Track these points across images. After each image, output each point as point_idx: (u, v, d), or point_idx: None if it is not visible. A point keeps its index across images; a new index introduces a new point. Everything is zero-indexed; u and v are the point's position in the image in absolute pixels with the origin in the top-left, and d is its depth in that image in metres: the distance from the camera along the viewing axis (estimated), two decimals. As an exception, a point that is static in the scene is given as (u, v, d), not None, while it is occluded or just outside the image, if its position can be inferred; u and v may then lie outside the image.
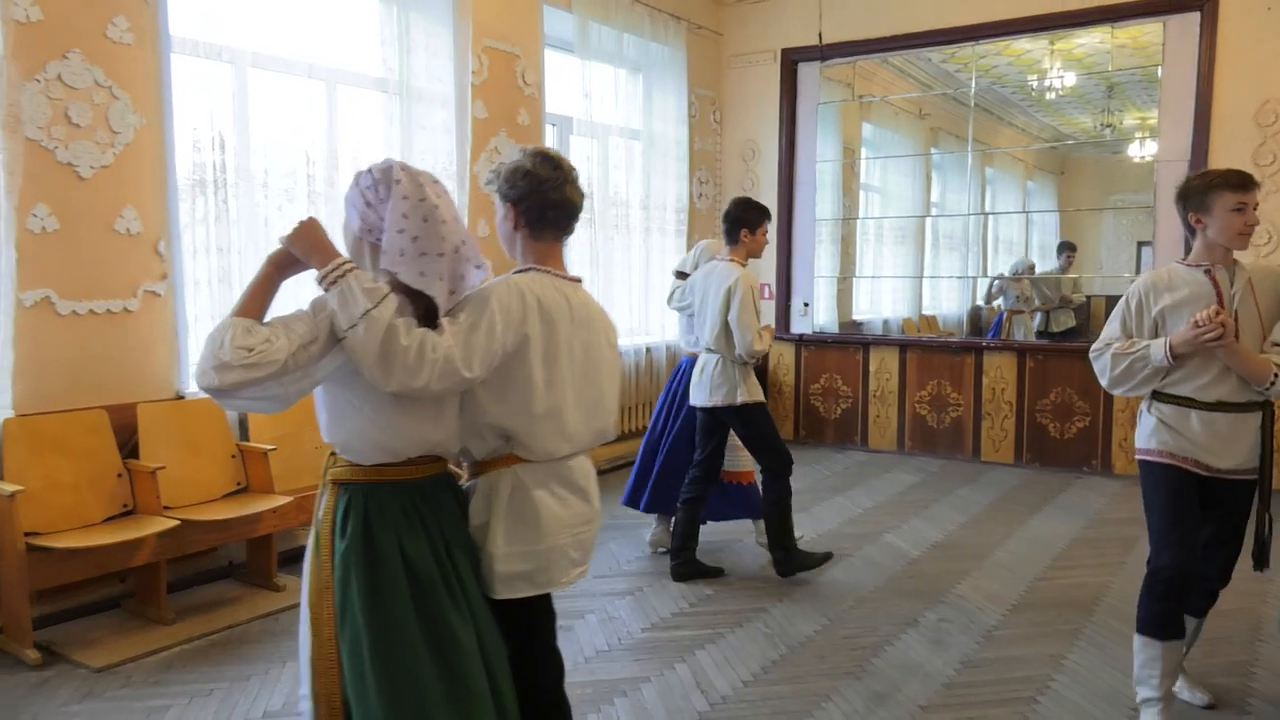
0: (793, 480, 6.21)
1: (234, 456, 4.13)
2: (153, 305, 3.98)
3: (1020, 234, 8.10)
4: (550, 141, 6.13)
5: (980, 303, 7.43)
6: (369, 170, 1.88)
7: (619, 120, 6.45)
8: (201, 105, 4.07)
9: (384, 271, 1.83)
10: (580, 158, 6.20)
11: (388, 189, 1.85)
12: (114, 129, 3.80)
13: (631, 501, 4.66)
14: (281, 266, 1.84)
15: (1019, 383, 6.65)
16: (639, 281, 6.77)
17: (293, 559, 4.32)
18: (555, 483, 2.00)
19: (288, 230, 1.84)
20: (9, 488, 3.34)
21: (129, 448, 3.84)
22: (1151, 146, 6.73)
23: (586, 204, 6.05)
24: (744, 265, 4.20)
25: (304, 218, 1.86)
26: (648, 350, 6.82)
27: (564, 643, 3.55)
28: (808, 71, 7.38)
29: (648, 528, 5.09)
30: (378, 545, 1.82)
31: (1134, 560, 4.55)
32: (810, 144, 7.42)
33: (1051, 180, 8.46)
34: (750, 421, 4.20)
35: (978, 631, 3.68)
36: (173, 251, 4.02)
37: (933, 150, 7.97)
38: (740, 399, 4.15)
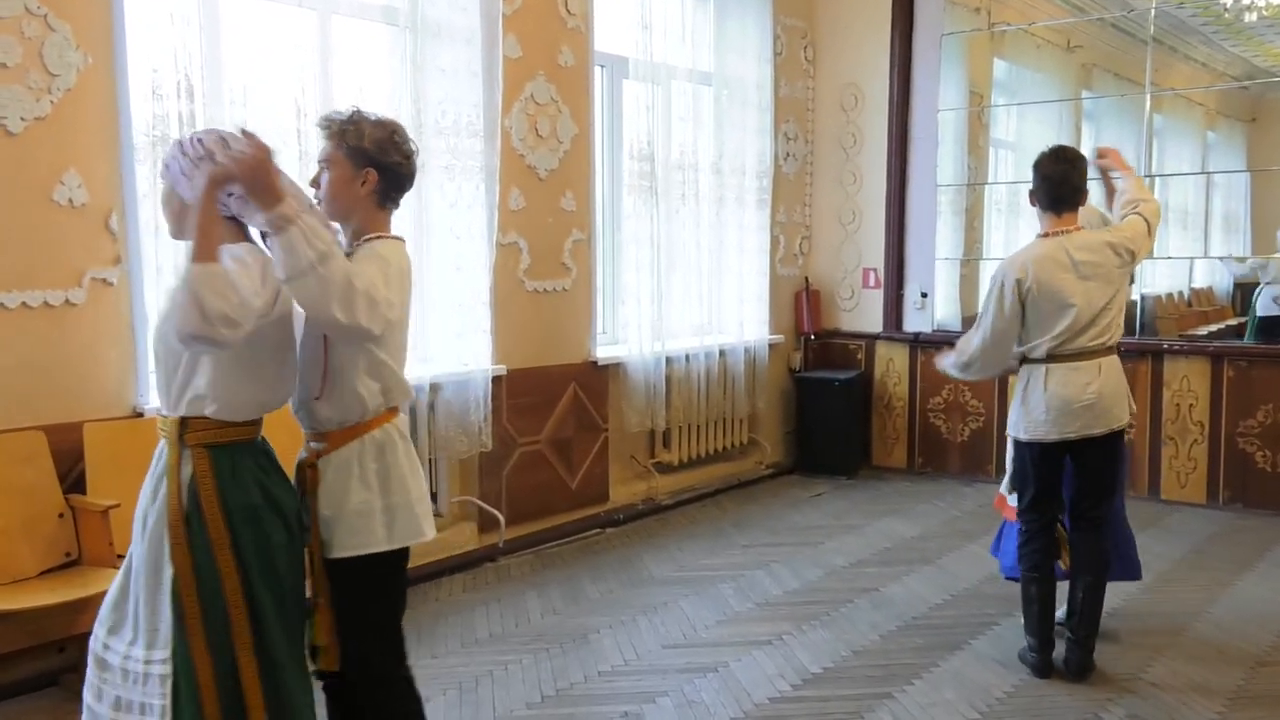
0: (907, 522, 6.13)
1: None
2: (102, 297, 3.91)
3: (1198, 201, 7.79)
4: (599, 87, 6.00)
5: (1142, 292, 7.07)
6: (198, 140, 2.38)
7: (685, 60, 6.33)
8: (163, 40, 3.98)
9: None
10: (637, 108, 6.07)
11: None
12: (51, 70, 3.72)
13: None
14: (218, 187, 2.30)
15: (1213, 398, 6.36)
16: (709, 265, 6.63)
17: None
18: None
19: (233, 153, 2.29)
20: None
21: (72, 480, 3.79)
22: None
23: (644, 169, 6.09)
24: None
25: (251, 145, 2.28)
26: (721, 354, 6.64)
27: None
28: (928, -9, 7.16)
29: (724, 582, 4.97)
30: (273, 499, 2.46)
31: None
32: (930, 87, 7.21)
33: (1239, 131, 8.15)
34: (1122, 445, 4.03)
35: (1187, 735, 3.50)
36: (127, 228, 3.97)
37: (1084, 93, 7.68)
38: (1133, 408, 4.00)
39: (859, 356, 7.49)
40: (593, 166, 5.81)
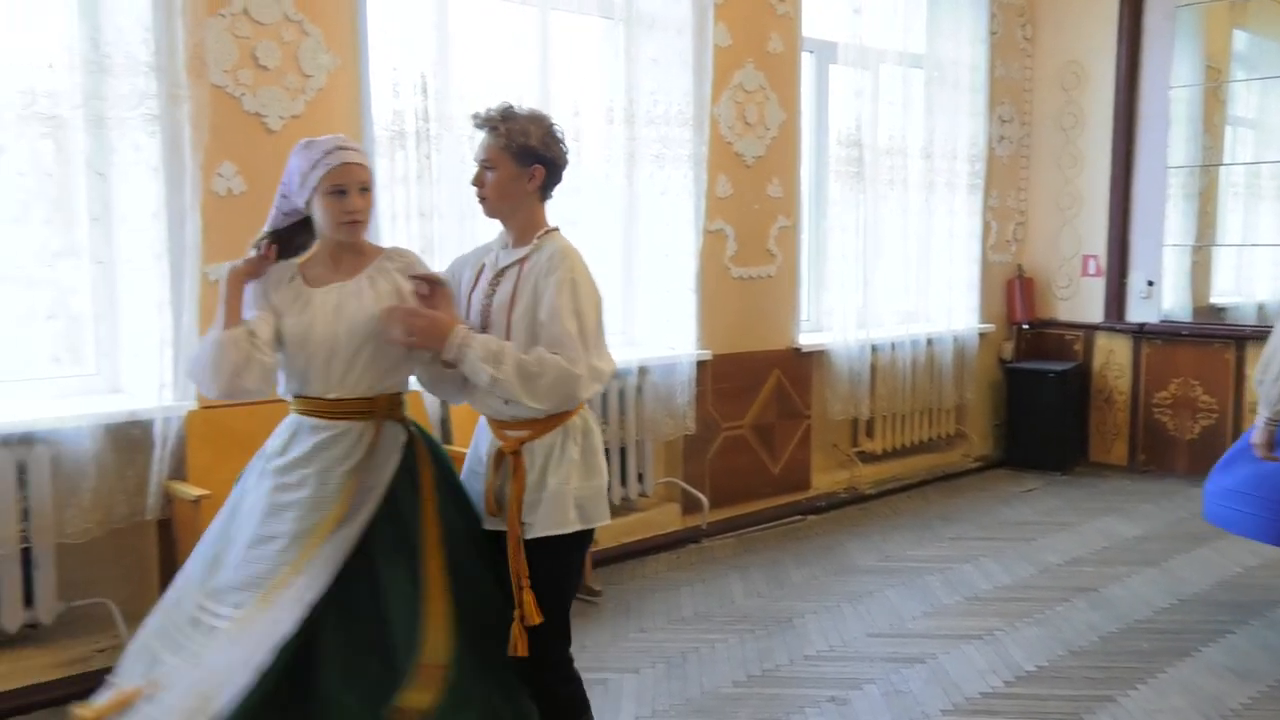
0: (1128, 521, 5.80)
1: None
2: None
3: None
4: (808, 73, 5.94)
5: None
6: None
7: (895, 43, 6.21)
8: (400, 40, 4.17)
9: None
10: (845, 94, 5.99)
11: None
12: (305, 71, 3.96)
13: None
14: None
15: None
16: (917, 252, 6.49)
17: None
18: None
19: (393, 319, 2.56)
20: (193, 491, 3.54)
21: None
22: None
23: (851, 155, 6.01)
24: None
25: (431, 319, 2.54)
26: (928, 342, 6.48)
27: (849, 727, 3.43)
28: (1160, -38, 6.75)
29: (931, 574, 4.89)
30: None
31: None
32: (1162, 62, 6.78)
33: None
34: None
35: None
36: (370, 217, 4.12)
37: (1340, 65, 7.01)
38: None
39: (1076, 347, 7.13)
40: (799, 153, 5.78)
